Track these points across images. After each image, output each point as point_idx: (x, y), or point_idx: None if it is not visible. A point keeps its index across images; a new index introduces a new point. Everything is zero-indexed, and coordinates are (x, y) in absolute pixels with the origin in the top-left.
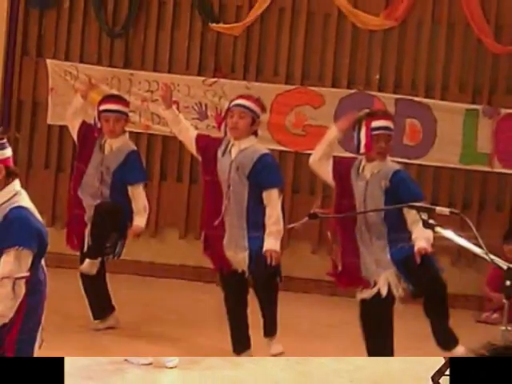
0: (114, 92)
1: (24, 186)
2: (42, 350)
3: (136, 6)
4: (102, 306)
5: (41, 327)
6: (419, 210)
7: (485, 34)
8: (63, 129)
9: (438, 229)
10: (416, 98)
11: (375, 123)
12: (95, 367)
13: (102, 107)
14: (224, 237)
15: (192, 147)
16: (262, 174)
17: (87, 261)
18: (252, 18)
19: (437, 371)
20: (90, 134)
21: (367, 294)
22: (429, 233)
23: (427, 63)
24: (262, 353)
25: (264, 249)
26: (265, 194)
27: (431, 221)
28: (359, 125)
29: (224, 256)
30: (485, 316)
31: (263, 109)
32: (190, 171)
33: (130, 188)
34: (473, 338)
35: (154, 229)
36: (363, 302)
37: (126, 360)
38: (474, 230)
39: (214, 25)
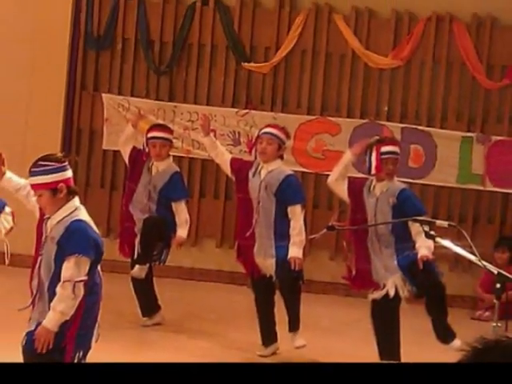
0: (160, 122)
1: (83, 202)
2: (97, 343)
3: (179, 48)
4: (149, 305)
5: (97, 324)
6: (422, 222)
7: (478, 71)
8: (116, 153)
9: (438, 239)
10: (419, 127)
11: (384, 148)
12: None
13: (150, 135)
14: (254, 246)
15: (227, 169)
16: (287, 192)
17: (137, 266)
18: (278, 58)
19: None
20: (139, 158)
21: (377, 295)
22: (430, 242)
23: (429, 97)
24: (287, 346)
25: (289, 256)
26: (289, 209)
27: (432, 232)
28: (370, 150)
29: (254, 262)
30: (478, 314)
31: (288, 136)
32: (225, 189)
33: (173, 204)
34: (468, 333)
35: (194, 239)
36: (374, 301)
37: None
38: (469, 240)
39: (246, 64)
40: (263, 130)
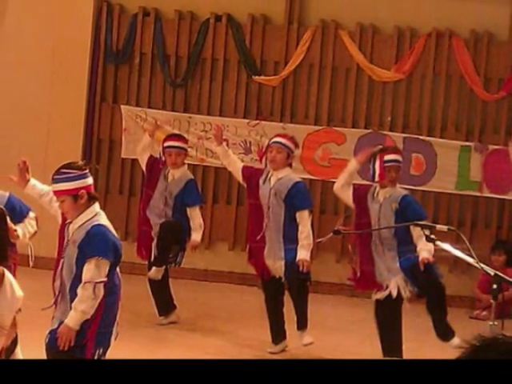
0: (176, 132)
1: (102, 207)
2: (116, 341)
3: (193, 62)
4: (165, 305)
5: (116, 322)
6: (423, 227)
7: (476, 84)
8: (134, 162)
9: (438, 242)
10: (420, 137)
11: (387, 157)
12: None
13: (166, 144)
14: (265, 249)
15: (239, 176)
16: (296, 198)
17: (154, 268)
18: (287, 71)
19: None
20: (156, 166)
21: (381, 295)
22: (430, 245)
23: (429, 108)
24: (295, 343)
25: (297, 258)
26: (298, 214)
27: (432, 236)
28: (374, 158)
29: (265, 264)
30: (476, 313)
31: (296, 145)
32: (237, 196)
33: (188, 209)
34: (466, 331)
35: (207, 242)
36: (377, 301)
37: None
38: (467, 243)
39: (257, 77)
40: (273, 140)
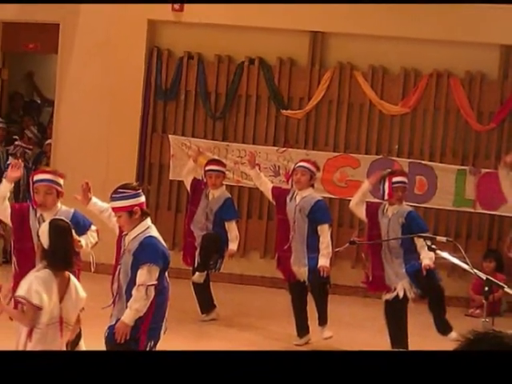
0: (216, 157)
1: (153, 222)
2: (165, 335)
3: (231, 98)
4: (207, 304)
5: (165, 319)
6: (425, 238)
7: (470, 117)
8: (180, 183)
9: (438, 251)
10: (423, 162)
11: (395, 179)
12: None
13: (207, 168)
14: (291, 257)
15: (269, 195)
16: (317, 213)
17: (197, 273)
18: (310, 106)
19: None
20: (198, 187)
21: (389, 296)
22: (432, 254)
23: (430, 137)
24: (317, 337)
25: (318, 265)
26: (319, 228)
27: (433, 246)
28: (384, 180)
29: (291, 270)
30: (470, 312)
31: (318, 169)
32: (267, 212)
33: (226, 223)
34: (462, 327)
35: (242, 251)
36: (386, 302)
37: None
38: (463, 252)
39: (284, 111)
40: (298, 164)
